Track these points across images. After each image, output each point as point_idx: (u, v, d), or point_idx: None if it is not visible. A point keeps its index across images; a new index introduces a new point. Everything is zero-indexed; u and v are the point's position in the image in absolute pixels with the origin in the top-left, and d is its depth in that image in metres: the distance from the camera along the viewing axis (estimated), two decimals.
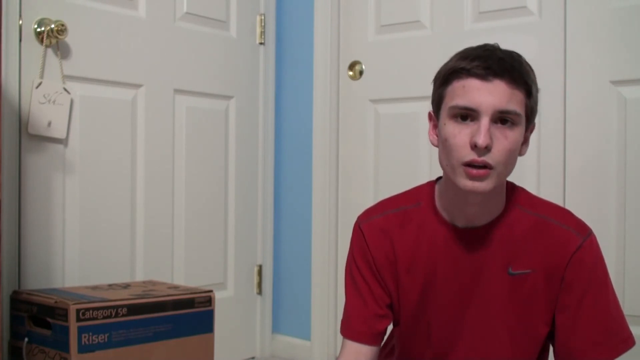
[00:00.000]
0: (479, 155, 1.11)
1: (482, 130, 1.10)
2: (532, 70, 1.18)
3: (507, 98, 1.11)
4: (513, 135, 1.13)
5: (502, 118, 1.12)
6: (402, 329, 1.33)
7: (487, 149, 1.11)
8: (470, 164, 1.12)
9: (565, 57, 2.01)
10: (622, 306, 1.97)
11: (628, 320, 2.00)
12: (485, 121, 1.11)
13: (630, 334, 1.22)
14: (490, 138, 1.11)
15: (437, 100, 1.20)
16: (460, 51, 1.19)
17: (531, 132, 1.23)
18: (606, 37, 1.94)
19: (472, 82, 1.12)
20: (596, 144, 1.97)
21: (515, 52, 1.18)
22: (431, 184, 1.30)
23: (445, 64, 1.20)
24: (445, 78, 1.17)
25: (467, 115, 1.13)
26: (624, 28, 1.92)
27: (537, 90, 1.18)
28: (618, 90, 1.93)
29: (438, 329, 1.28)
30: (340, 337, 1.35)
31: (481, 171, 1.12)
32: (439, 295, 1.26)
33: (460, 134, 1.13)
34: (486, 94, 1.11)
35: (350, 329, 1.31)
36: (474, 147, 1.11)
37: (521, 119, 1.14)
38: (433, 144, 1.24)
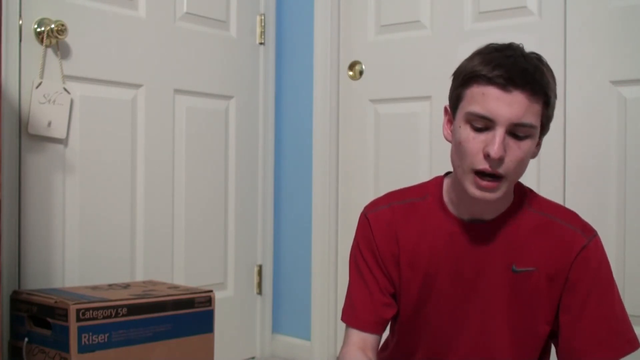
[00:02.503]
0: (491, 166, 1.12)
1: (496, 141, 1.10)
2: (553, 77, 1.17)
3: (524, 111, 1.11)
4: (526, 145, 1.14)
5: (517, 130, 1.12)
6: (401, 321, 1.33)
7: (500, 160, 1.11)
8: (481, 172, 1.13)
9: (565, 57, 2.01)
10: None
11: None
12: (500, 132, 1.11)
13: (636, 335, 1.22)
14: (504, 149, 1.11)
15: (455, 99, 1.19)
16: (483, 49, 1.18)
17: (544, 134, 1.23)
18: (606, 37, 1.94)
19: (492, 91, 1.11)
20: (596, 144, 1.97)
21: (538, 58, 1.17)
22: (440, 178, 1.31)
23: (467, 62, 1.17)
24: (466, 80, 1.16)
25: (483, 123, 1.13)
26: (623, 28, 1.92)
27: (555, 97, 1.18)
28: (618, 90, 1.93)
29: (438, 323, 1.28)
30: (340, 336, 1.35)
31: (491, 183, 1.13)
32: (440, 289, 1.25)
33: (474, 140, 1.13)
34: (504, 105, 1.10)
35: (356, 317, 1.30)
36: (487, 156, 1.12)
37: (536, 130, 1.14)
38: (447, 139, 1.24)
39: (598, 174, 1.96)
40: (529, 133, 1.13)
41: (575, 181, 2.00)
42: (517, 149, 1.13)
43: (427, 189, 1.31)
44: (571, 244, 1.20)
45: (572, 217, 1.25)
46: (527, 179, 2.04)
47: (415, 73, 2.31)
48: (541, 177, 2.06)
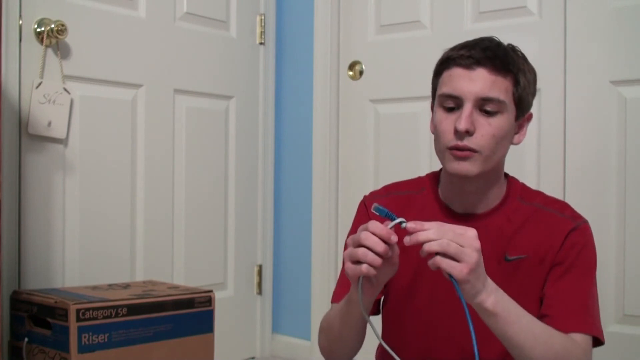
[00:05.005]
0: (461, 140, 1.17)
1: (462, 116, 1.16)
2: (523, 59, 1.22)
3: (489, 85, 1.16)
4: (497, 121, 1.18)
5: (486, 105, 1.17)
6: (391, 312, 1.34)
7: (469, 133, 1.16)
8: (454, 148, 1.18)
9: (565, 57, 2.01)
10: (621, 306, 1.98)
11: (628, 320, 2.00)
12: (467, 107, 1.17)
13: (601, 329, 1.22)
14: (472, 123, 1.16)
15: (433, 91, 1.27)
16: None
17: (528, 121, 1.27)
18: (606, 37, 1.94)
19: (457, 71, 1.19)
20: (596, 144, 1.97)
21: (509, 44, 1.22)
22: (435, 173, 1.35)
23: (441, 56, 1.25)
24: (438, 69, 1.24)
25: (453, 102, 1.19)
26: (624, 28, 1.92)
27: (528, 78, 1.22)
28: (618, 90, 1.93)
29: (429, 315, 1.28)
30: None
31: (464, 152, 1.17)
32: (431, 280, 1.26)
33: (446, 121, 1.20)
34: (468, 81, 1.17)
35: (337, 294, 1.33)
36: (456, 132, 1.17)
37: (505, 106, 1.18)
38: (432, 132, 1.29)
39: (598, 174, 1.96)
40: (497, 108, 1.18)
41: (575, 181, 2.00)
42: (487, 125, 1.17)
43: (423, 183, 1.35)
44: (560, 228, 1.23)
45: (563, 206, 1.28)
46: (528, 179, 2.04)
47: (415, 73, 2.31)
48: (541, 177, 2.06)
